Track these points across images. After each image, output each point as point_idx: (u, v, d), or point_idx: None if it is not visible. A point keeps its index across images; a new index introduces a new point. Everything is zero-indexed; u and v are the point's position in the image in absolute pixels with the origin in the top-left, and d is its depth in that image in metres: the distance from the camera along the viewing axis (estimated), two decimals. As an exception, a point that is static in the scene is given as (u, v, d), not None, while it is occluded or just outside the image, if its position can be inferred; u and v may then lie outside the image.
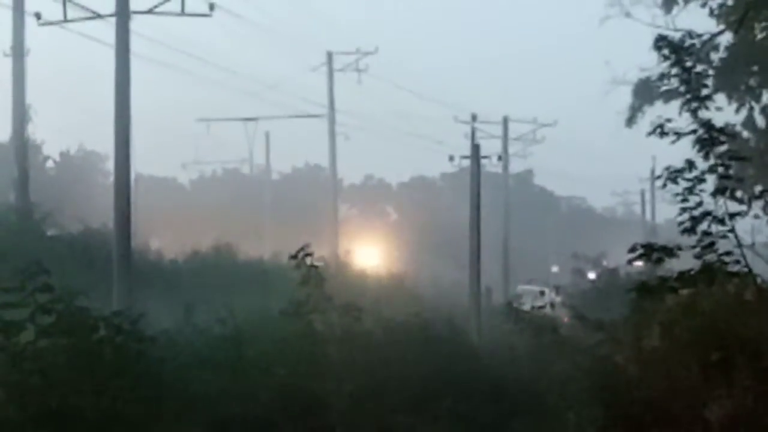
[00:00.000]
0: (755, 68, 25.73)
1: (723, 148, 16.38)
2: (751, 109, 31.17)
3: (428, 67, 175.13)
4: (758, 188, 17.27)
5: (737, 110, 30.73)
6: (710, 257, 16.23)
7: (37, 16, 37.90)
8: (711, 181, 16.12)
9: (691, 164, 16.11)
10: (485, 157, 56.68)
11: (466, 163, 55.46)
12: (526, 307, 38.20)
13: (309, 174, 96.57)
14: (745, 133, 26.62)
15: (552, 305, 36.63)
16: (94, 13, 35.75)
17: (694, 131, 16.34)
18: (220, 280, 35.65)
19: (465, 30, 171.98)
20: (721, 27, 24.94)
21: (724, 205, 16.17)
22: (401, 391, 19.48)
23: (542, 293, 42.01)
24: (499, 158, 70.51)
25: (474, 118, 65.84)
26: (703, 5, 28.81)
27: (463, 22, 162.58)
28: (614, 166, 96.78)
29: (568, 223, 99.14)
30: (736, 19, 22.79)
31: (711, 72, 22.85)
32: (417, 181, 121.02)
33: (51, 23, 37.84)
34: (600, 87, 43.06)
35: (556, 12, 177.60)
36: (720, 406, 15.06)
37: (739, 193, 16.36)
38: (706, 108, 17.10)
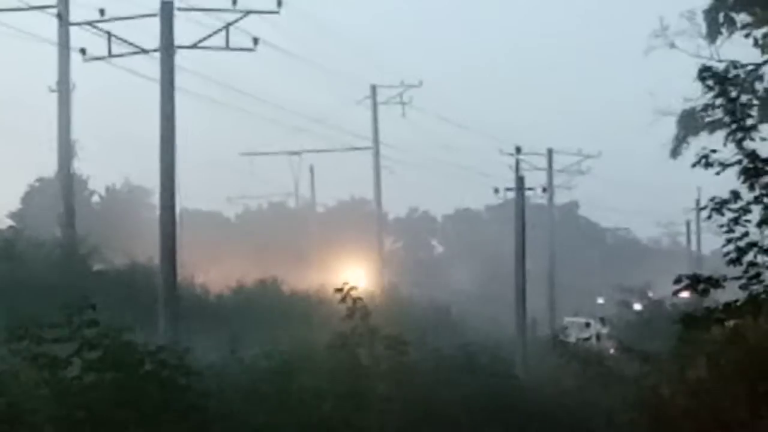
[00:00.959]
0: (804, 96, 25.71)
1: None
2: None
3: (473, 100, 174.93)
4: (806, 219, 17.16)
5: None
6: (756, 288, 15.93)
7: (82, 51, 37.69)
8: (757, 212, 16.00)
9: (736, 195, 15.94)
10: (530, 189, 55.46)
11: (511, 195, 53.95)
12: (572, 338, 38.47)
13: (354, 207, 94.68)
14: None
15: (598, 337, 36.84)
16: (138, 48, 36.36)
17: (739, 162, 16.10)
18: (266, 314, 35.48)
19: (509, 63, 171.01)
20: (766, 57, 24.46)
21: None
22: (447, 424, 19.37)
23: (588, 325, 41.93)
24: (544, 190, 69.03)
25: (518, 150, 63.77)
26: (747, 35, 28.85)
27: (507, 55, 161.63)
28: (659, 197, 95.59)
29: (614, 255, 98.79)
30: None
31: (756, 102, 22.60)
32: (462, 214, 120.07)
33: (96, 59, 38.20)
34: (644, 118, 42.89)
35: (602, 43, 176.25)
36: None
37: None
38: (752, 138, 16.97)
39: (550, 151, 72.88)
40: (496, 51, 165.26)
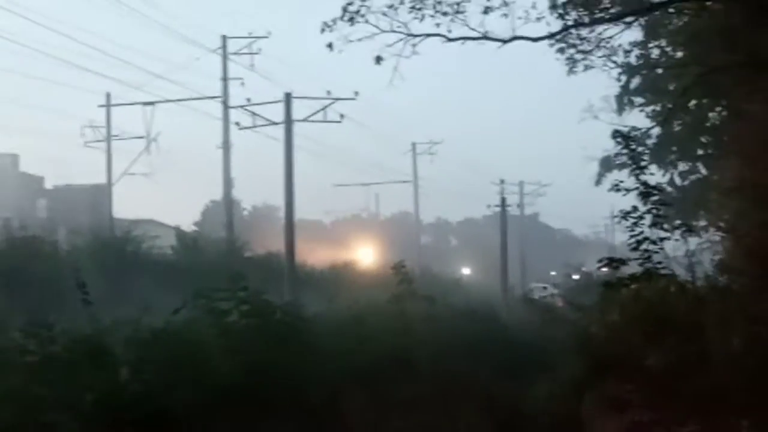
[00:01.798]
0: (674, 148, 27.97)
1: (655, 197, 18.78)
2: (672, 173, 34.57)
3: (477, 150, 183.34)
4: (677, 222, 20.12)
5: (663, 174, 33.64)
6: (648, 265, 18.42)
7: (237, 124, 46.88)
8: (648, 219, 18.55)
9: (635, 208, 18.63)
10: (509, 205, 71.11)
11: (498, 209, 69.11)
12: (536, 296, 42.50)
13: (403, 218, 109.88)
14: (669, 188, 28.85)
15: (552, 295, 40.26)
16: (270, 121, 43.64)
17: (637, 188, 18.81)
18: (348, 283, 40.53)
19: (497, 123, 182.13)
20: (653, 124, 27.12)
21: (657, 233, 18.55)
22: (461, 348, 20.43)
23: (545, 288, 45.15)
24: (518, 206, 78.99)
25: (502, 181, 78.52)
26: (641, 111, 32.43)
27: (493, 117, 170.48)
28: (588, 209, 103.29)
29: (561, 246, 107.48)
30: (662, 119, 25.06)
31: (647, 151, 24.56)
32: (468, 221, 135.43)
33: (245, 128, 45.91)
34: (579, 161, 47.26)
35: (556, 110, 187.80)
36: (655, 358, 16.94)
37: (665, 226, 18.72)
38: (644, 174, 20.46)
39: (521, 183, 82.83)
40: (488, 115, 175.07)
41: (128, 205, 53.75)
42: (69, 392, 11.37)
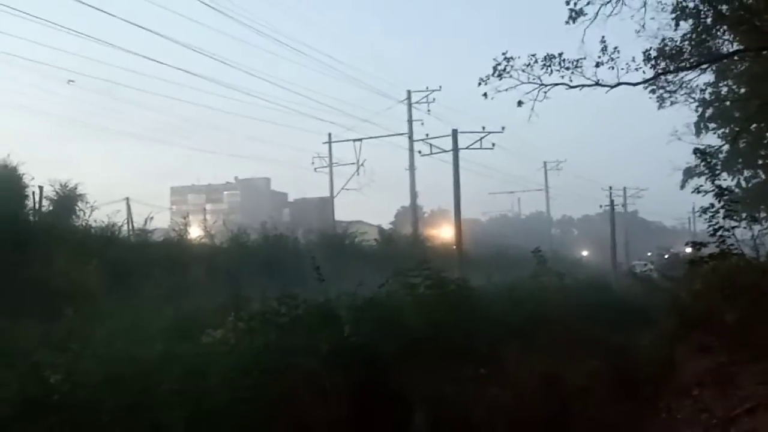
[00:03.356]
0: (740, 160, 27.11)
1: (726, 197, 18.01)
2: (739, 178, 33.11)
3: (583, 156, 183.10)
4: (744, 215, 19.59)
5: (732, 179, 32.06)
6: (722, 247, 17.73)
7: (419, 152, 45.82)
8: (722, 213, 17.71)
9: (712, 205, 17.95)
10: (616, 205, 67.97)
11: (607, 208, 66.12)
12: (637, 271, 41.56)
13: (537, 216, 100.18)
14: (736, 190, 27.78)
15: (649, 270, 39.26)
16: (442, 149, 42.24)
17: (713, 190, 18.14)
18: (499, 264, 37.58)
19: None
20: (723, 143, 25.65)
21: (729, 223, 17.83)
22: (583, 309, 19.94)
23: (644, 264, 44.24)
24: (622, 205, 75.47)
25: (610, 188, 70.34)
26: (714, 133, 30.95)
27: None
28: (675, 206, 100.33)
29: (655, 234, 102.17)
30: (731, 139, 24.40)
31: (719, 163, 23.97)
32: (586, 217, 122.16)
33: (425, 155, 44.76)
34: (668, 170, 45.80)
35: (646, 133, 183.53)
36: (730, 315, 16.83)
37: (735, 218, 17.95)
38: (718, 179, 19.75)
39: (625, 188, 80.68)
40: (600, 140, 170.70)
41: (345, 211, 55.02)
42: (309, 343, 11.48)
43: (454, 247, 39.55)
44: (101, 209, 27.65)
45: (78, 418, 7.84)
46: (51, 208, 26.26)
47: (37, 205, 25.89)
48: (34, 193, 25.71)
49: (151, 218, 29.85)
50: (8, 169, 25.15)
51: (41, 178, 26.36)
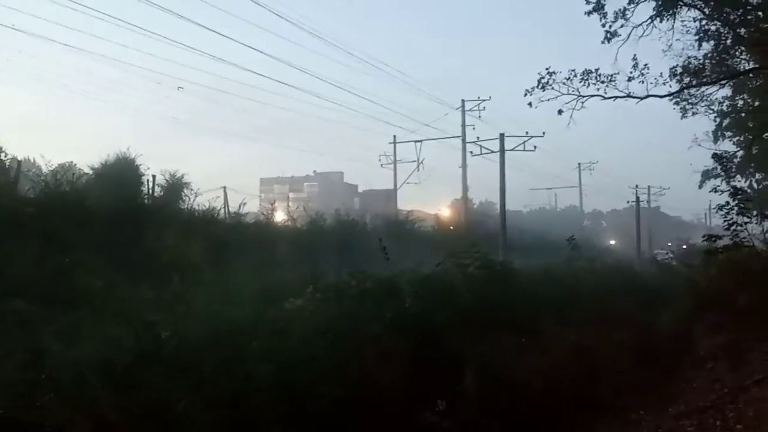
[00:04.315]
0: (753, 164, 26.45)
1: (740, 196, 17.95)
2: (751, 180, 31.92)
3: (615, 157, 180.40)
4: (755, 212, 19.31)
5: (745, 181, 31.04)
6: (735, 239, 17.94)
7: (470, 153, 45.34)
8: (736, 210, 17.89)
9: (727, 203, 17.95)
10: (641, 201, 67.50)
11: (633, 204, 65.48)
12: (659, 258, 40.89)
13: (571, 210, 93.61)
14: (749, 190, 26.80)
15: (669, 258, 38.71)
16: (490, 150, 41.78)
17: (728, 190, 18.07)
18: (538, 250, 36.02)
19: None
20: (738, 149, 25.04)
21: (742, 219, 17.91)
22: (612, 289, 19.71)
23: (666, 253, 43.40)
24: (647, 201, 73.13)
25: (636, 186, 69.27)
26: (730, 140, 29.12)
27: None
28: (693, 203, 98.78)
29: (675, 227, 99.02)
30: (745, 146, 24.03)
31: (734, 166, 23.55)
32: (614, 211, 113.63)
33: (475, 155, 44.40)
34: (688, 172, 44.48)
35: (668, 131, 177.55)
36: (741, 299, 16.34)
37: (747, 214, 18.02)
38: (733, 180, 19.28)
39: (649, 187, 74.53)
40: (627, 144, 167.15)
41: (406, 201, 54.96)
42: (375, 311, 11.35)
43: (500, 233, 39.01)
44: (203, 195, 28.08)
45: (183, 368, 7.99)
46: (162, 193, 26.68)
47: (150, 191, 26.08)
48: (148, 180, 26.02)
49: (244, 204, 30.09)
50: (127, 161, 25.72)
51: (154, 169, 26.70)
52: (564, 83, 16.29)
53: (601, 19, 16.13)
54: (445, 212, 48.18)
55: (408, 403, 8.79)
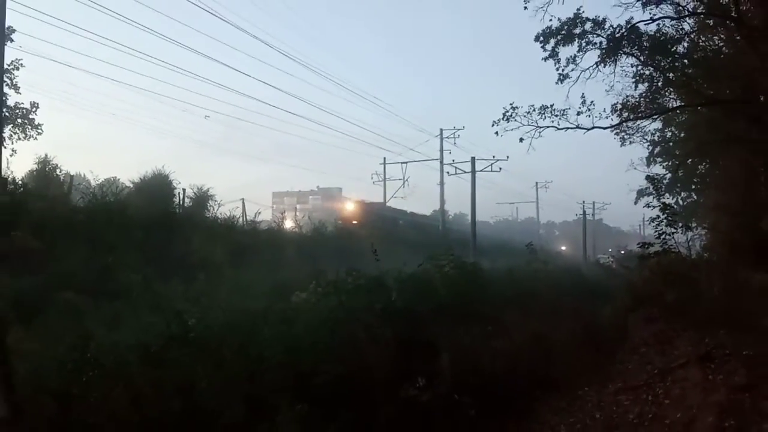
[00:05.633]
0: (679, 185, 26.45)
1: (669, 210, 17.51)
2: (678, 197, 31.60)
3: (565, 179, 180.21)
4: (680, 224, 19.19)
5: (673, 198, 30.90)
6: (665, 247, 17.24)
7: (447, 173, 44.28)
8: (665, 222, 17.10)
9: (658, 216, 17.42)
10: (587, 214, 67.19)
11: (580, 216, 65.70)
12: (601, 262, 40.84)
13: (530, 221, 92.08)
14: (676, 206, 26.37)
15: (610, 261, 38.66)
16: (463, 171, 41.51)
17: (659, 206, 17.64)
18: (502, 253, 36.02)
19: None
20: (667, 172, 24.90)
21: (670, 230, 17.18)
22: (562, 286, 19.71)
23: (608, 258, 43.34)
24: (592, 214, 73.09)
25: (584, 202, 68.99)
26: (661, 165, 28.42)
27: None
28: (630, 216, 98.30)
29: (614, 236, 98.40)
30: (673, 169, 23.98)
31: (664, 186, 23.71)
32: (565, 222, 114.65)
33: (451, 175, 43.74)
34: (626, 190, 44.30)
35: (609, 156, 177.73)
36: (670, 295, 16.08)
37: (674, 226, 17.28)
38: (663, 198, 19.28)
39: (593, 202, 74.83)
40: (575, 167, 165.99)
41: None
42: (367, 303, 11.27)
43: (471, 239, 38.83)
44: (225, 206, 28.42)
45: (206, 350, 7.97)
46: (190, 204, 26.86)
47: (181, 202, 26.37)
48: (179, 193, 26.50)
49: (259, 213, 30.57)
50: (162, 177, 26.18)
51: (184, 183, 27.16)
52: (524, 116, 16.30)
53: (555, 64, 16.15)
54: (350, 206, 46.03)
55: (394, 379, 8.73)
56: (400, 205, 53.98)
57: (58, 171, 25.37)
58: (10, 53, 24.88)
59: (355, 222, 36.36)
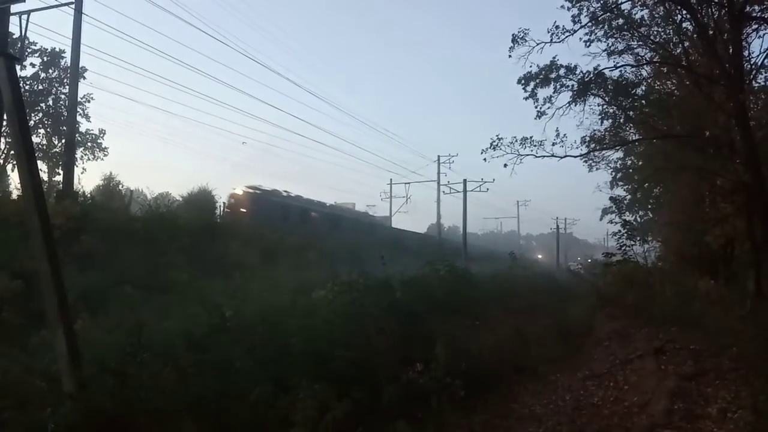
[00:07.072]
0: (638, 204, 26.40)
1: (629, 226, 18.13)
2: (637, 215, 31.02)
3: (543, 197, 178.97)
4: (638, 237, 19.13)
5: (632, 216, 30.27)
6: (626, 256, 17.83)
7: (443, 192, 43.76)
8: (625, 236, 17.86)
9: (620, 230, 17.93)
10: (560, 228, 66.06)
11: (554, 230, 65.25)
12: (572, 269, 40.61)
13: (511, 233, 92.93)
14: (635, 223, 25.83)
15: (579, 268, 38.59)
16: (457, 191, 41.00)
17: (621, 222, 18.10)
18: (488, 260, 34.45)
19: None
20: (628, 194, 24.39)
21: (629, 242, 17.79)
22: (538, 288, 19.68)
23: (577, 265, 43.16)
24: (564, 228, 71.60)
25: (557, 218, 68.47)
26: (622, 187, 28.34)
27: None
28: (596, 229, 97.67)
29: (583, 247, 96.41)
30: (633, 191, 23.99)
31: (625, 205, 23.63)
32: (542, 234, 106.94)
33: (447, 194, 43.48)
34: (593, 209, 44.14)
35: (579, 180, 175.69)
36: (629, 297, 16.36)
37: (633, 239, 17.99)
38: (624, 215, 19.44)
39: (566, 218, 75.06)
40: (552, 188, 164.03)
41: (398, 225, 54.59)
42: (375, 300, 11.08)
43: (463, 248, 38.50)
44: (258, 217, 27.96)
45: (240, 337, 7.90)
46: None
47: (221, 213, 26.36)
48: (219, 206, 26.48)
49: (286, 224, 29.97)
50: (206, 192, 26.62)
51: (224, 198, 27.27)
52: (508, 146, 16.27)
53: (534, 102, 16.20)
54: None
55: (396, 364, 8.63)
56: (403, 218, 53.50)
57: (120, 186, 25.82)
58: (83, 88, 26.22)
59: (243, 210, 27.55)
